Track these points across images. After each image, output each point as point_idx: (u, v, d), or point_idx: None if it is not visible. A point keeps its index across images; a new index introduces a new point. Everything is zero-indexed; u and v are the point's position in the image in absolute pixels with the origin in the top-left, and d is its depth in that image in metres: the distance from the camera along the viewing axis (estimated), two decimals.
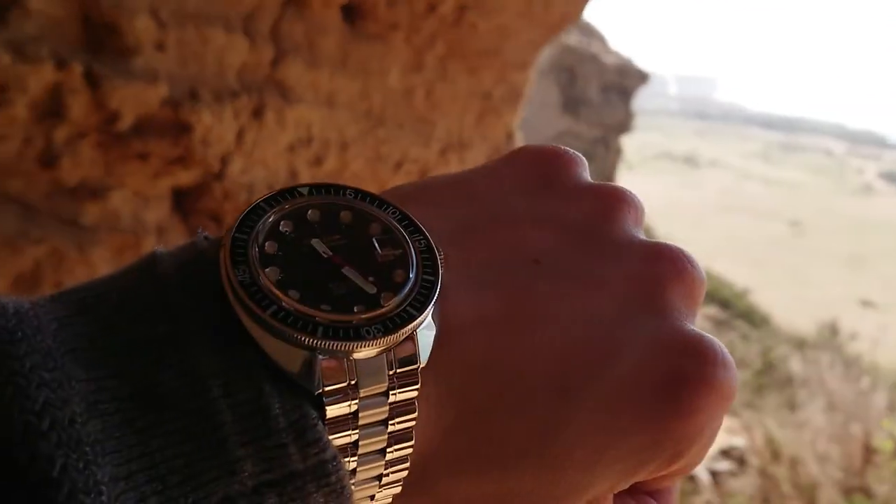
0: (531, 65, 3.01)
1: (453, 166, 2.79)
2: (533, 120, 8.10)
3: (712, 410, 0.27)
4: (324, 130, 2.25)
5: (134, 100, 1.76)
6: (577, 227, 0.31)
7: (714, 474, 5.08)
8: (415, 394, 0.25)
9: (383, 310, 0.25)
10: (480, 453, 0.26)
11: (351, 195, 0.28)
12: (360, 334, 0.24)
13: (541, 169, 0.33)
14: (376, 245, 0.27)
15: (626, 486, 0.28)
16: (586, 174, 0.33)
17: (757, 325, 10.54)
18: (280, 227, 0.26)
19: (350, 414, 0.24)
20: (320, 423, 0.23)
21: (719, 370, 0.27)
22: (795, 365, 7.59)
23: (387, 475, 0.25)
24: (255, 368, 0.23)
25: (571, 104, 10.70)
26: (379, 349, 0.24)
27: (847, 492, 4.95)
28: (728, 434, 5.42)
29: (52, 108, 1.67)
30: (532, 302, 0.28)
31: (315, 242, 0.26)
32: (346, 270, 0.26)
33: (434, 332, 0.26)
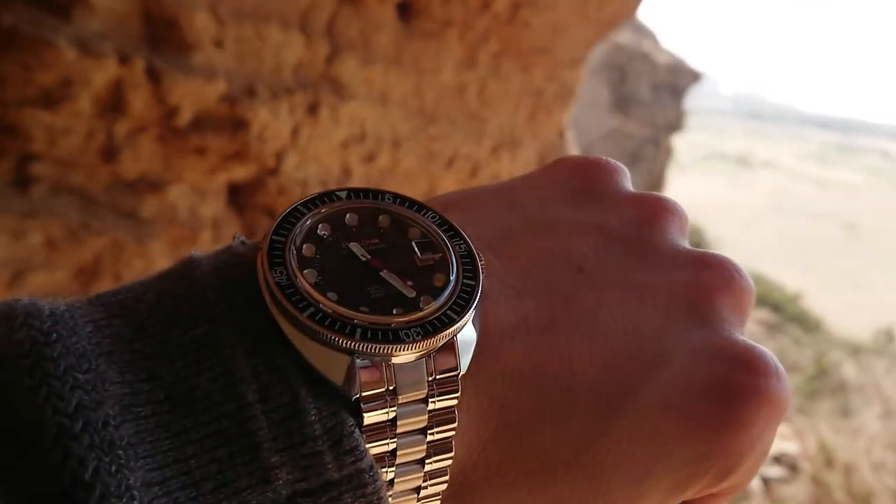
0: (583, 62, 2.99)
1: (504, 164, 2.79)
2: (583, 119, 8.05)
3: (764, 423, 0.26)
4: (377, 127, 2.26)
5: (193, 95, 1.79)
6: (621, 236, 0.30)
7: (765, 480, 5.00)
8: (455, 402, 0.24)
9: (423, 313, 0.24)
10: (522, 465, 0.25)
11: (389, 199, 0.28)
12: (399, 337, 0.23)
13: (582, 178, 0.32)
14: (416, 249, 0.26)
15: (675, 503, 0.27)
16: (628, 183, 0.33)
17: (809, 330, 10.32)
18: (318, 231, 0.26)
19: (388, 421, 0.23)
20: (357, 430, 0.22)
21: (772, 381, 0.26)
22: (849, 370, 7.43)
23: (425, 487, 0.25)
24: (291, 372, 0.22)
25: (622, 103, 10.60)
26: (418, 353, 0.23)
27: None
28: (780, 439, 5.33)
29: (113, 103, 1.71)
30: (575, 310, 0.27)
31: (353, 246, 0.26)
32: (385, 273, 0.25)
33: (475, 339, 0.25)
